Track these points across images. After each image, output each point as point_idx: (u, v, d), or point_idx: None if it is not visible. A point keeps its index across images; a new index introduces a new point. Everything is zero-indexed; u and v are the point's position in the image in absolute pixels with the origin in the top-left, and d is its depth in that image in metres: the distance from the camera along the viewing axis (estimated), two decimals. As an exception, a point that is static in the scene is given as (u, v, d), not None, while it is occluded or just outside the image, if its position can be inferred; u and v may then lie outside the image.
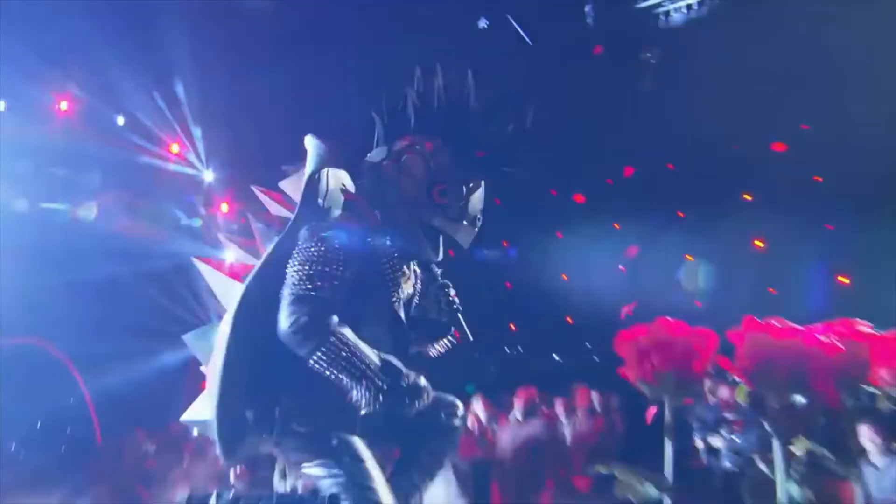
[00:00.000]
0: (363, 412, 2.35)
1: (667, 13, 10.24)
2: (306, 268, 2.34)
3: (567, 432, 6.06)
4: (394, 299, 2.54)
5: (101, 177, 9.90)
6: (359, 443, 2.39)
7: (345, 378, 2.24)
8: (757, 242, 9.96)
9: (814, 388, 1.50)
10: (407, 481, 2.59)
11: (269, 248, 2.52)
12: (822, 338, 1.51)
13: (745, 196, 9.68)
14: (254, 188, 2.87)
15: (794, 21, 9.04)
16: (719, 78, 9.22)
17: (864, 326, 1.66)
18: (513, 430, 5.99)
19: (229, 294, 2.57)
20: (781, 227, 9.46)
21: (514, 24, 10.34)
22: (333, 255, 2.36)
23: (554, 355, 10.67)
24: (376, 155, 2.64)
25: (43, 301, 8.61)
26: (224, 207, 10.63)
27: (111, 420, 8.59)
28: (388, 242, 2.52)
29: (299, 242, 2.41)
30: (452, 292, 2.64)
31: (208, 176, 10.70)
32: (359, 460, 2.33)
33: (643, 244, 10.07)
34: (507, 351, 11.01)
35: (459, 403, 2.68)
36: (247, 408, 2.43)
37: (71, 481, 6.05)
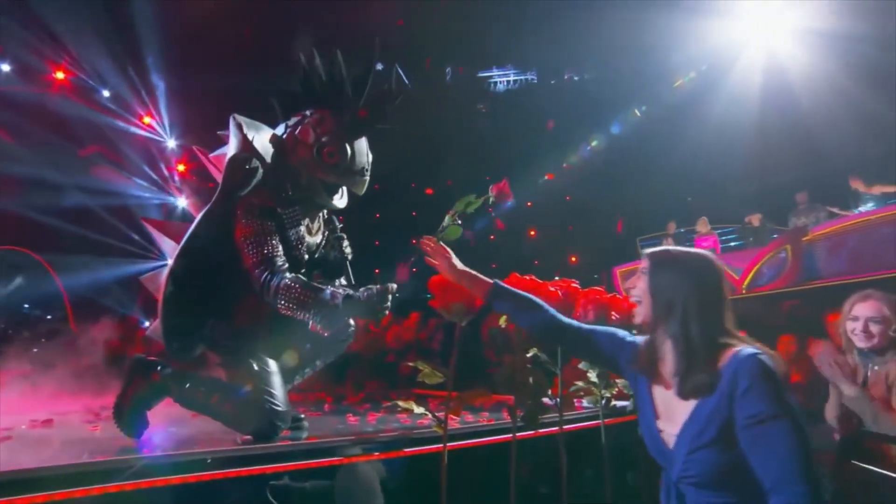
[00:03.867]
0: (327, 334, 1.99)
1: (495, 83, 10.51)
2: (255, 241, 1.98)
3: (402, 338, 6.00)
4: (298, 248, 2.11)
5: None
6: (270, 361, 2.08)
7: (308, 312, 1.90)
8: (531, 232, 10.51)
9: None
10: (302, 365, 2.32)
11: (201, 214, 2.07)
12: (552, 289, 1.57)
13: (528, 203, 10.09)
14: (196, 149, 2.36)
15: (563, 100, 9.75)
16: (522, 127, 9.61)
17: (575, 284, 1.74)
18: (374, 336, 5.85)
19: (168, 246, 2.22)
20: (546, 225, 10.07)
21: (400, 71, 9.98)
22: (266, 225, 2.01)
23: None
24: (278, 131, 2.19)
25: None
26: (181, 167, 9.36)
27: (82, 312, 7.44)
28: (296, 209, 2.10)
29: (242, 219, 2.01)
30: (346, 243, 2.28)
31: (171, 143, 9.33)
32: (266, 368, 2.03)
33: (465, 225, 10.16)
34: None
35: (353, 332, 2.31)
36: (188, 323, 2.10)
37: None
